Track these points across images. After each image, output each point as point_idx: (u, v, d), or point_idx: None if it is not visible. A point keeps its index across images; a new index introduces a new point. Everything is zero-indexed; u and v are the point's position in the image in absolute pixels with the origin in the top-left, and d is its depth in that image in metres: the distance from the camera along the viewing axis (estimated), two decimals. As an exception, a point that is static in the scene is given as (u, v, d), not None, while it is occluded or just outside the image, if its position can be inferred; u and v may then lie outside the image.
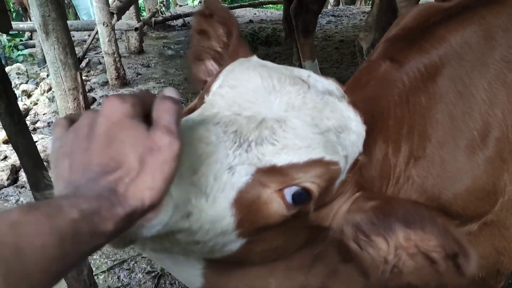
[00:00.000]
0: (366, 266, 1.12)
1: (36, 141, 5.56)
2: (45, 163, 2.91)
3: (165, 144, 0.74)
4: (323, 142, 1.01)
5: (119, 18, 7.45)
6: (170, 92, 0.84)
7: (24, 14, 12.59)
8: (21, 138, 2.50)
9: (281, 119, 1.01)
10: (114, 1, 7.40)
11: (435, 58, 1.43)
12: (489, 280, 1.57)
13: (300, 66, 6.84)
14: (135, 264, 3.41)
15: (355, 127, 1.10)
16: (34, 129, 6.14)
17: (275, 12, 15.24)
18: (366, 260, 1.10)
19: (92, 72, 8.45)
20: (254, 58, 1.21)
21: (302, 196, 1.00)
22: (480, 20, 1.49)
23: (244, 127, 0.99)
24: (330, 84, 1.14)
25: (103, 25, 7.03)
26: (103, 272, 3.37)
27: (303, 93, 1.06)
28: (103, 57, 7.64)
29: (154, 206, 0.75)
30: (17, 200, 4.45)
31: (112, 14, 7.08)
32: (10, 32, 10.35)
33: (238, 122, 0.99)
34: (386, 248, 1.06)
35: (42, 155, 5.00)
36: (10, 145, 5.20)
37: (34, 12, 4.47)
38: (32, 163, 2.55)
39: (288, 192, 1.00)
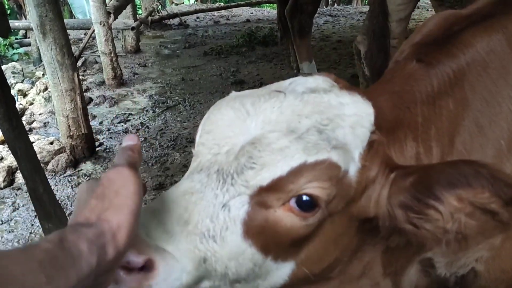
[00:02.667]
0: (429, 244, 1.10)
1: (33, 142, 5.50)
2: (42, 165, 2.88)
3: (112, 175, 0.87)
4: (301, 146, 1.00)
5: (116, 17, 7.39)
6: (128, 139, 0.98)
7: (18, 11, 12.50)
8: (20, 143, 2.47)
9: (256, 139, 1.02)
10: (111, 0, 7.35)
11: (463, 63, 1.41)
12: None
13: (298, 67, 6.82)
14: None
15: (351, 110, 1.09)
16: (30, 130, 6.08)
17: (272, 11, 15.19)
18: (426, 238, 1.07)
19: (88, 72, 8.38)
20: (232, 94, 1.22)
21: (308, 203, 1.00)
22: (503, 29, 1.47)
23: (224, 163, 1.02)
24: (313, 81, 1.15)
25: (100, 24, 6.98)
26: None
27: (279, 103, 1.07)
28: (99, 56, 7.58)
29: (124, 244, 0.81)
30: (14, 202, 4.40)
31: (109, 13, 7.03)
32: (5, 30, 10.28)
33: (218, 161, 1.03)
34: (442, 217, 1.03)
35: (38, 156, 4.96)
36: (6, 146, 5.15)
37: (31, 12, 4.42)
38: (30, 167, 2.52)
39: (293, 203, 1.00)
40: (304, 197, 1.00)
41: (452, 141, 1.36)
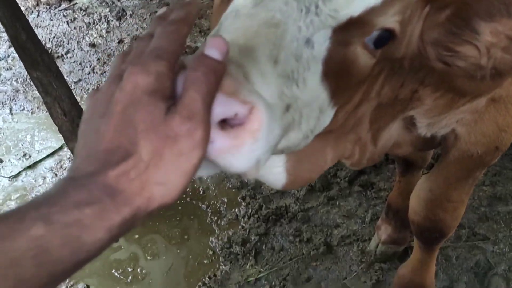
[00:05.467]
0: (461, 82, 1.08)
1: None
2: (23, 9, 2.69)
3: (182, 132, 0.61)
4: None
5: None
6: (212, 46, 0.68)
7: None
8: (-7, -14, 2.26)
9: None
10: None
11: None
12: (485, 157, 1.54)
13: None
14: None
15: None
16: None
17: None
18: (458, 75, 1.03)
19: None
20: None
21: (384, 38, 0.92)
22: None
23: None
24: None
25: None
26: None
27: None
28: None
29: (167, 204, 0.64)
30: (9, 37, 4.28)
31: None
32: None
33: None
34: (477, 53, 0.97)
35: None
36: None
37: None
38: (9, 13, 2.34)
39: (370, 39, 0.91)
40: (381, 33, 0.91)
41: None
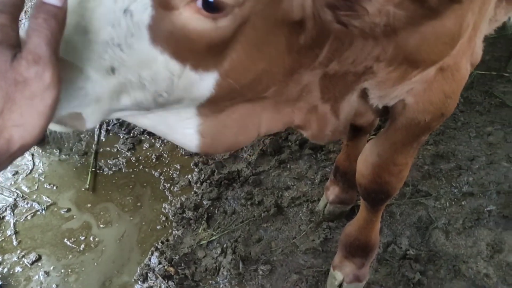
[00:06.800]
0: (358, 42, 1.12)
1: None
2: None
3: (31, 75, 0.67)
4: None
5: None
6: None
7: None
8: None
9: None
10: None
11: None
12: (431, 123, 1.60)
13: None
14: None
15: None
16: None
17: None
18: (356, 36, 1.06)
19: None
20: None
21: (212, 4, 0.90)
22: None
23: None
24: None
25: None
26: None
27: None
28: None
29: (29, 144, 0.70)
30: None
31: None
32: None
33: None
34: (370, 11, 0.98)
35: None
36: None
37: None
38: None
39: (199, 3, 0.90)
40: None
41: None
